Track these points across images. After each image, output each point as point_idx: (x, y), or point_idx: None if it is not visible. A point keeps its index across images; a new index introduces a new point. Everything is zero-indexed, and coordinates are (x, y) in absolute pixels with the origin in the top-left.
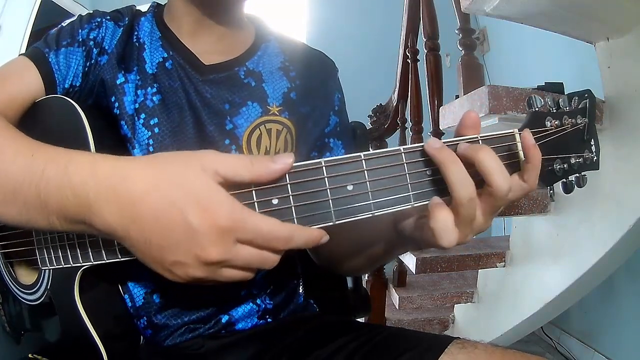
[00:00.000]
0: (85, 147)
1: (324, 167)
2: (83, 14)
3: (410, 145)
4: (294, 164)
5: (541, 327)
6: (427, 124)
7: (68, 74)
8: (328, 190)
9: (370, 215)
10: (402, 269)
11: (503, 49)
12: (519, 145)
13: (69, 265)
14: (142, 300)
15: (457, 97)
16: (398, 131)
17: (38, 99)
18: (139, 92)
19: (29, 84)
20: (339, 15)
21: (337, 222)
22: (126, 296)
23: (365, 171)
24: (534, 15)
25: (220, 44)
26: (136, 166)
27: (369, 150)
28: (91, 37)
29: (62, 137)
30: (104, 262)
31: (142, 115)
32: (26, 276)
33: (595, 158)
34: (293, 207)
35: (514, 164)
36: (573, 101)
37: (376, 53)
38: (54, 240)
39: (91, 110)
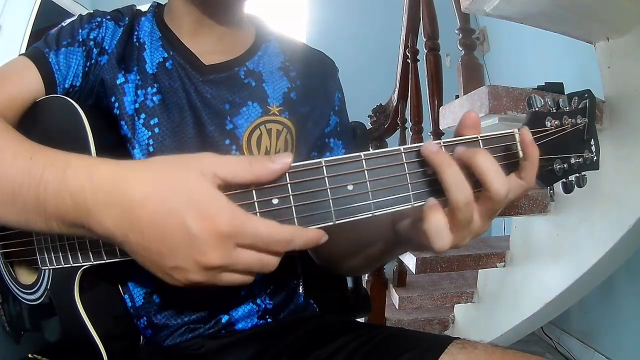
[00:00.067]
0: (86, 147)
1: (324, 167)
2: (83, 14)
3: (410, 145)
4: (295, 164)
5: (541, 327)
6: (427, 124)
7: (68, 74)
8: (328, 190)
9: (370, 215)
10: (402, 269)
11: (503, 49)
12: (519, 145)
13: (69, 265)
14: (142, 300)
15: (457, 97)
16: (398, 131)
17: (38, 99)
18: (139, 92)
19: (29, 84)
20: (339, 15)
21: (337, 222)
22: (126, 296)
23: (366, 171)
24: (534, 15)
25: (220, 44)
26: (135, 171)
27: (369, 150)
28: (91, 37)
29: (63, 137)
30: (103, 262)
31: (142, 115)
32: (26, 276)
33: (595, 158)
34: (293, 207)
35: (513, 163)
36: (573, 101)
37: (376, 53)
38: (54, 240)
39: (91, 110)
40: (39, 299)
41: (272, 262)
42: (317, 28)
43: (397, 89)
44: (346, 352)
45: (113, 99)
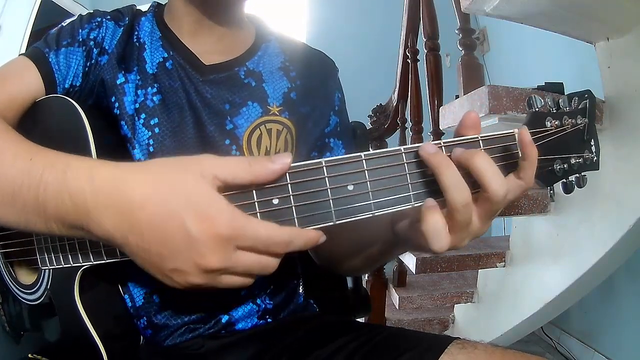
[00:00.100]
0: (86, 147)
1: (324, 167)
2: (83, 14)
3: (410, 146)
4: (295, 164)
5: (541, 327)
6: (427, 124)
7: (68, 73)
8: (328, 190)
9: (371, 215)
10: (402, 269)
11: (503, 49)
12: (518, 145)
13: (69, 265)
14: (142, 300)
15: (457, 97)
16: (398, 131)
17: (38, 98)
18: (139, 92)
19: (29, 84)
20: (339, 15)
21: (337, 222)
22: (126, 296)
23: (366, 171)
24: (534, 15)
25: (220, 44)
26: (135, 173)
27: (369, 150)
28: (91, 37)
29: (63, 137)
30: (103, 262)
31: (143, 115)
32: (26, 276)
33: (595, 158)
34: (293, 207)
35: (512, 164)
36: (573, 101)
37: (376, 53)
38: (54, 240)
39: (91, 110)
40: (39, 299)
41: (271, 264)
42: (317, 28)
43: (397, 89)
44: (346, 352)
45: (113, 98)
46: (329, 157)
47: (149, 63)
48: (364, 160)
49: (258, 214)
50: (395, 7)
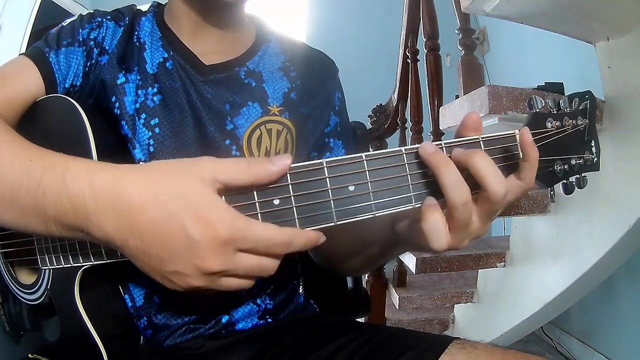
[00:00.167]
0: (86, 147)
1: (325, 168)
2: (83, 14)
3: (411, 146)
4: (296, 165)
5: (541, 327)
6: (427, 124)
7: (68, 73)
8: (330, 190)
9: (372, 215)
10: (402, 269)
11: (503, 49)
12: (519, 146)
13: (69, 265)
14: (143, 300)
15: (457, 97)
16: (398, 131)
17: (38, 98)
18: (139, 92)
19: (29, 83)
20: (339, 15)
21: (338, 223)
22: (126, 296)
23: (367, 172)
24: (534, 15)
25: (220, 44)
26: (134, 176)
27: (369, 151)
28: (92, 36)
29: (63, 137)
30: (104, 262)
31: (143, 115)
32: (26, 276)
33: (596, 159)
34: (294, 208)
35: (513, 164)
36: (574, 102)
37: (376, 53)
38: (54, 240)
39: (91, 110)
40: (39, 299)
41: (271, 265)
42: (317, 28)
43: (397, 89)
44: (346, 352)
45: (113, 98)
46: (329, 157)
47: (149, 63)
48: (365, 161)
49: (259, 214)
50: (395, 7)
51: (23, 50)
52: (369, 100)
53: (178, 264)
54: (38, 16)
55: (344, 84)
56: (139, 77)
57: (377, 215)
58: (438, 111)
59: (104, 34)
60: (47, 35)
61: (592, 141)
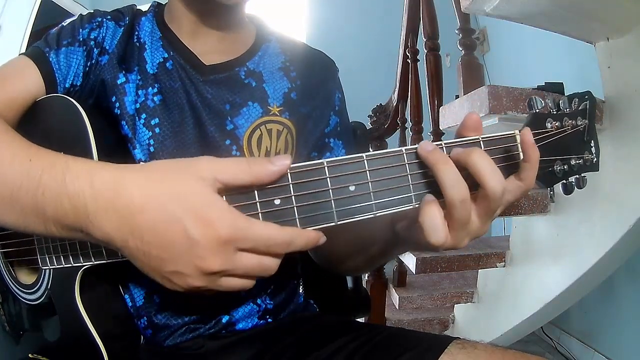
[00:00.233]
0: (87, 147)
1: (326, 168)
2: (83, 14)
3: (412, 146)
4: (297, 165)
5: (541, 327)
6: (427, 124)
7: (69, 73)
8: (330, 190)
9: (372, 215)
10: (402, 269)
11: (503, 49)
12: (520, 146)
13: (70, 265)
14: (143, 300)
15: (457, 97)
16: (398, 131)
17: (38, 98)
18: (139, 92)
19: (30, 83)
20: (339, 15)
21: (339, 223)
22: (126, 296)
23: (368, 172)
24: (534, 15)
25: (221, 44)
26: (134, 176)
27: (369, 151)
28: (92, 36)
29: (64, 137)
30: (104, 261)
31: (143, 116)
32: (26, 276)
33: (595, 159)
34: (295, 208)
35: (514, 165)
36: (573, 102)
37: (376, 53)
38: (54, 240)
39: (91, 110)
40: (39, 298)
41: (272, 265)
42: (317, 28)
43: (397, 89)
44: (346, 352)
45: (114, 98)
46: (329, 157)
47: (149, 63)
48: (365, 161)
49: (260, 214)
50: (395, 7)
51: (23, 50)
52: (369, 100)
53: (178, 264)
54: (38, 16)
55: (344, 84)
56: (139, 77)
57: (377, 215)
58: (438, 111)
59: (104, 34)
60: (47, 35)
61: (592, 141)
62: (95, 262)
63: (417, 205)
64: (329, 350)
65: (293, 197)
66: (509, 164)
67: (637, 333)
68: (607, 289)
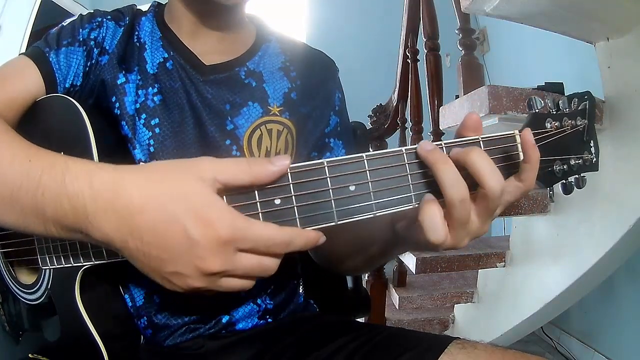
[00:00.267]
0: (87, 147)
1: (326, 167)
2: (83, 14)
3: (412, 146)
4: (297, 165)
5: (541, 327)
6: (427, 124)
7: (69, 73)
8: (330, 190)
9: (372, 215)
10: (402, 269)
11: (503, 49)
12: (519, 146)
13: (70, 265)
14: (143, 300)
15: (457, 97)
16: (398, 131)
17: (38, 98)
18: (139, 92)
19: (29, 83)
20: (339, 15)
21: (339, 222)
22: (127, 296)
23: (368, 171)
24: (534, 15)
25: (221, 44)
26: (134, 177)
27: (369, 151)
28: (92, 36)
29: (64, 137)
30: (104, 261)
31: (143, 116)
32: (26, 276)
33: (595, 159)
34: (295, 207)
35: (513, 165)
36: (573, 103)
37: (376, 53)
38: (54, 240)
39: (91, 110)
40: (39, 298)
41: (272, 265)
42: (317, 28)
43: (397, 89)
44: (346, 352)
45: (114, 99)
46: (329, 157)
47: (149, 63)
48: (365, 161)
49: (260, 214)
50: (395, 7)
51: (23, 50)
52: (369, 100)
53: (178, 264)
54: (38, 16)
55: (344, 84)
56: (139, 77)
57: (377, 215)
58: (438, 111)
59: (104, 34)
60: (47, 35)
61: (591, 141)
62: (96, 262)
63: (416, 205)
64: (329, 350)
65: (293, 197)
66: (509, 164)
67: (637, 333)
68: (607, 289)
